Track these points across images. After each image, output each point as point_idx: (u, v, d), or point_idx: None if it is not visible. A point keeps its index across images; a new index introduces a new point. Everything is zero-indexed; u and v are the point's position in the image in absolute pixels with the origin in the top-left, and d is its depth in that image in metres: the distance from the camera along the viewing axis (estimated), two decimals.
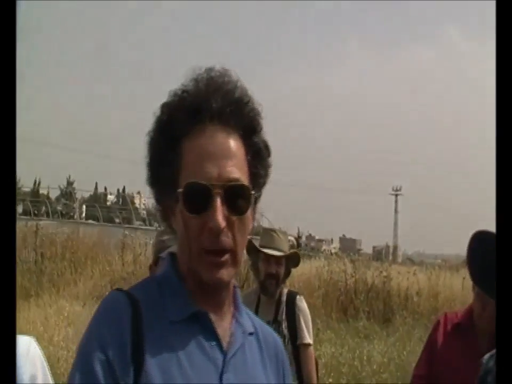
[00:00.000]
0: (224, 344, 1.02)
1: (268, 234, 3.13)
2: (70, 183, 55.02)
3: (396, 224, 65.39)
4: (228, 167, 0.99)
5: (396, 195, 67.74)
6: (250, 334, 1.09)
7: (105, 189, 69.67)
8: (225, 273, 1.00)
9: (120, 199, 63.16)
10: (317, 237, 68.61)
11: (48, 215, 29.25)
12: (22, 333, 1.53)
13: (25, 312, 8.66)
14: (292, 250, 3.21)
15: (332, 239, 69.46)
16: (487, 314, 2.40)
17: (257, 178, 1.05)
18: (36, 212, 30.61)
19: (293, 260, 3.16)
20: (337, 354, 7.74)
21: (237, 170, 1.00)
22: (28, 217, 23.47)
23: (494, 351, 1.78)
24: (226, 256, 0.99)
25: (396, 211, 67.03)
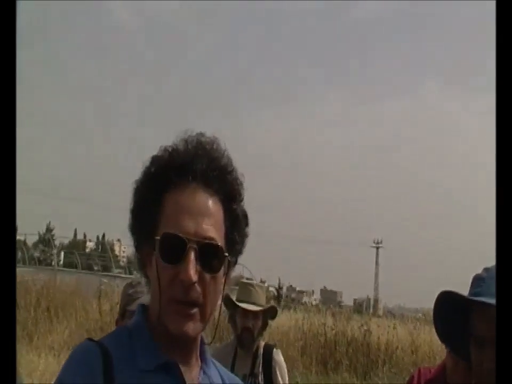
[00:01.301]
0: None
1: (245, 288, 3.15)
2: (49, 230, 54.19)
3: (376, 276, 65.28)
4: (205, 225, 1.02)
5: (377, 248, 68.02)
6: None
7: (85, 235, 68.88)
8: (192, 327, 1.00)
9: (100, 246, 62.24)
10: (297, 288, 67.96)
11: (24, 262, 28.60)
12: None
13: None
14: (268, 305, 3.24)
15: (312, 291, 68.89)
16: (460, 370, 2.44)
17: (233, 244, 1.08)
18: None
19: (270, 312, 3.19)
20: None
21: (214, 231, 1.03)
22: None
23: None
24: (195, 310, 1.00)
25: (376, 263, 67.10)
